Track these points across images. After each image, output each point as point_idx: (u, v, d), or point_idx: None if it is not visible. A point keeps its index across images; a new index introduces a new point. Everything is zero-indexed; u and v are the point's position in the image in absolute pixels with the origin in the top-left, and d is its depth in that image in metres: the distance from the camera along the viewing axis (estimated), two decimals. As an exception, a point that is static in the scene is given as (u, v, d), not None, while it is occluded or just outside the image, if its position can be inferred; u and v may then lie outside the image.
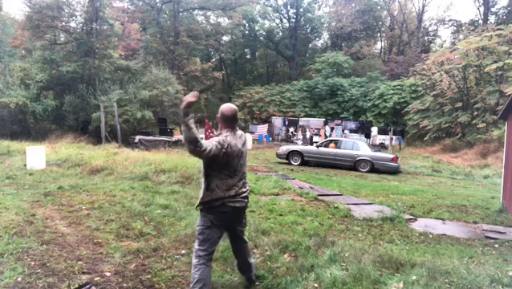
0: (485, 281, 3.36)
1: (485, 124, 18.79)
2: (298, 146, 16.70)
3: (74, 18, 21.86)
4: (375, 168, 13.50)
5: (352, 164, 13.77)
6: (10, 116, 17.68)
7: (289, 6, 40.90)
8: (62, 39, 22.30)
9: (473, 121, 19.76)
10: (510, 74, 19.51)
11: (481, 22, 33.56)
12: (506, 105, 7.48)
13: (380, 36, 45.63)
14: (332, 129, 27.02)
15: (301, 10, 40.29)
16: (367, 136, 24.74)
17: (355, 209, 6.89)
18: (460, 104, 21.81)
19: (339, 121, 28.38)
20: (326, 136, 24.29)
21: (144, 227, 4.96)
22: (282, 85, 36.09)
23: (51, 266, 3.63)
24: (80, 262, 3.74)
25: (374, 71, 34.34)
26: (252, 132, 27.22)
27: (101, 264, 3.75)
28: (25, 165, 9.69)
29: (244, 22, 39.50)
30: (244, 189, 3.08)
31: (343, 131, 26.85)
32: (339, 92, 32.38)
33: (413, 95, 27.66)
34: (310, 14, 40.46)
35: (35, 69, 20.57)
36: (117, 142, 16.62)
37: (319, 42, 47.16)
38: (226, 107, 3.05)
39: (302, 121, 28.79)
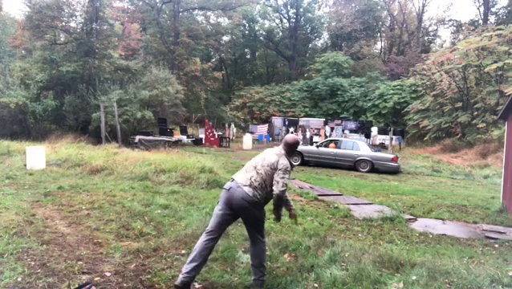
0: (485, 281, 3.36)
1: (485, 124, 18.79)
2: (299, 146, 16.68)
3: (74, 18, 21.86)
4: (375, 168, 13.50)
5: (352, 164, 13.77)
6: (10, 115, 17.67)
7: (289, 6, 40.91)
8: (62, 39, 22.29)
9: (473, 121, 19.76)
10: (510, 74, 19.51)
11: (481, 22, 33.56)
12: (506, 105, 7.48)
13: (380, 36, 45.63)
14: (332, 129, 27.02)
15: (301, 10, 40.30)
16: (367, 136, 24.75)
17: (355, 209, 6.90)
18: (460, 104, 21.81)
19: (339, 121, 28.39)
20: (326, 136, 24.29)
21: (144, 227, 4.96)
22: (282, 85, 36.11)
23: (51, 266, 3.62)
24: (80, 262, 3.74)
25: (374, 71, 34.35)
26: (252, 132, 27.23)
27: (101, 264, 3.75)
28: (25, 165, 9.69)
29: (244, 22, 39.50)
30: None
31: (343, 131, 26.85)
32: (339, 92, 32.38)
33: (413, 95, 27.67)
34: (310, 14, 40.47)
35: (35, 69, 20.56)
36: (117, 142, 16.61)
37: (319, 42, 47.23)
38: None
39: (302, 121, 28.79)
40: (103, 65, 21.29)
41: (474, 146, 18.53)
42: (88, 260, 3.83)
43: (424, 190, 9.73)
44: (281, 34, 42.81)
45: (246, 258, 3.94)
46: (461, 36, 27.31)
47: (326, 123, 28.08)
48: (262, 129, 28.72)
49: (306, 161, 14.45)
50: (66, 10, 21.02)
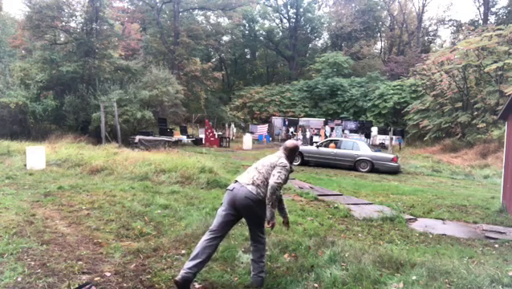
0: (485, 281, 3.36)
1: (485, 124, 18.79)
2: (298, 146, 16.68)
3: (74, 18, 21.85)
4: (375, 168, 13.50)
5: (352, 164, 13.77)
6: (10, 115, 17.67)
7: (289, 6, 40.91)
8: (62, 39, 22.29)
9: (473, 121, 19.76)
10: (510, 74, 19.51)
11: (481, 22, 33.57)
12: (506, 105, 7.48)
13: (380, 36, 45.63)
14: (332, 129, 27.02)
15: (301, 10, 40.29)
16: (367, 136, 24.75)
17: (355, 209, 6.90)
18: (460, 104, 21.81)
19: (339, 121, 28.39)
20: (326, 136, 24.29)
21: (144, 227, 4.96)
22: (282, 85, 36.11)
23: (51, 266, 3.62)
24: (80, 262, 3.74)
25: (374, 71, 34.34)
26: (252, 132, 27.22)
27: (101, 264, 3.75)
28: (25, 165, 9.69)
29: (244, 22, 39.49)
30: None
31: (343, 131, 26.85)
32: (339, 92, 32.38)
33: (413, 95, 27.67)
34: (310, 14, 40.46)
35: (35, 69, 20.56)
36: (117, 142, 16.61)
37: (319, 42, 47.23)
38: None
39: (302, 121, 28.79)
40: (103, 65, 21.29)
41: (474, 146, 18.53)
42: (88, 260, 3.83)
43: (424, 190, 9.73)
44: (281, 34, 42.81)
45: (246, 258, 3.94)
46: (461, 36, 27.32)
47: (326, 123, 28.08)
48: (262, 129, 28.72)
49: (306, 161, 14.45)
50: (66, 10, 21.02)
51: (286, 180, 3.47)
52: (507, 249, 4.98)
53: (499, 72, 19.71)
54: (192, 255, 3.24)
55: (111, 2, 30.74)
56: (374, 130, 25.81)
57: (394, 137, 22.52)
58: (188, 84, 30.23)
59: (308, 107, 32.96)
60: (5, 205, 5.80)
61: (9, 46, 30.25)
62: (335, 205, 6.94)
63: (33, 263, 3.66)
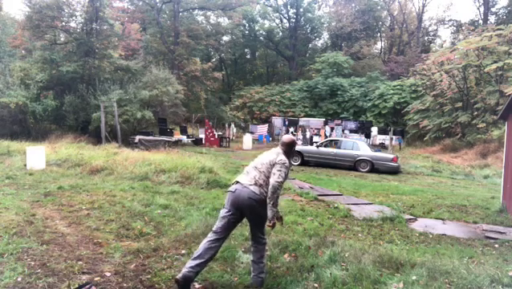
0: (485, 281, 3.36)
1: (485, 124, 18.78)
2: (298, 146, 16.69)
3: (74, 18, 21.85)
4: (375, 168, 13.50)
5: (352, 164, 13.77)
6: (10, 115, 17.66)
7: (289, 6, 40.90)
8: (62, 39, 22.29)
9: (473, 121, 19.76)
10: (510, 74, 19.50)
11: (481, 22, 33.56)
12: (506, 105, 7.48)
13: (380, 36, 45.63)
14: (332, 129, 27.01)
15: (301, 10, 40.29)
16: (367, 136, 24.74)
17: (355, 209, 6.90)
18: (460, 104, 21.81)
19: (339, 121, 28.38)
20: (326, 136, 24.28)
21: (144, 227, 4.96)
22: (282, 85, 36.10)
23: (51, 266, 3.63)
24: (80, 262, 3.74)
25: (374, 71, 34.34)
26: (252, 132, 27.22)
27: (101, 264, 3.75)
28: (25, 165, 9.69)
29: (244, 22, 39.48)
30: None
31: (343, 131, 26.84)
32: (339, 92, 32.38)
33: (413, 95, 27.66)
34: (310, 14, 40.46)
35: (35, 69, 20.55)
36: (117, 142, 16.61)
37: (319, 42, 47.22)
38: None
39: (302, 121, 28.79)
40: (103, 65, 21.28)
41: (474, 146, 18.52)
42: (88, 260, 3.83)
43: (424, 190, 9.73)
44: (281, 34, 42.81)
45: (246, 258, 3.94)
46: (461, 36, 27.34)
47: (326, 123, 28.07)
48: (262, 129, 28.72)
49: (306, 161, 14.45)
50: (66, 10, 21.02)
51: (286, 177, 3.45)
52: (507, 249, 4.98)
53: (499, 72, 19.70)
54: (194, 255, 3.24)
55: (111, 2, 30.74)
56: (374, 130, 25.81)
57: (394, 137, 22.51)
58: (188, 84, 30.22)
59: (308, 107, 32.95)
60: (5, 205, 5.80)
61: (9, 46, 30.25)
62: (335, 205, 6.94)
63: (33, 263, 3.66)
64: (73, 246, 4.24)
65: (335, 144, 14.97)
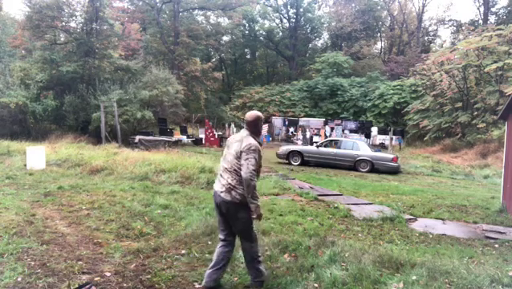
0: (485, 281, 3.36)
1: (485, 124, 18.78)
2: (298, 146, 16.70)
3: (74, 18, 21.85)
4: (375, 168, 13.49)
5: (352, 164, 13.77)
6: (10, 115, 17.67)
7: (289, 6, 40.91)
8: (62, 39, 22.29)
9: (473, 121, 19.76)
10: (510, 74, 19.50)
11: (481, 22, 33.56)
12: (506, 105, 7.48)
13: (380, 36, 45.62)
14: (332, 129, 27.01)
15: (301, 10, 40.29)
16: (367, 136, 24.74)
17: (355, 209, 6.90)
18: (460, 104, 21.81)
19: (339, 121, 28.38)
20: (326, 136, 24.28)
21: (144, 227, 4.96)
22: (282, 85, 36.10)
23: (51, 266, 3.63)
24: (80, 262, 3.74)
25: (374, 71, 34.34)
26: (252, 132, 27.15)
27: (101, 264, 3.75)
28: (25, 165, 9.69)
29: (244, 22, 39.48)
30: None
31: (343, 131, 26.84)
32: (339, 92, 32.38)
33: (413, 95, 27.66)
34: (310, 14, 40.46)
35: (35, 69, 20.55)
36: (117, 142, 16.61)
37: (319, 42, 47.21)
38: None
39: (302, 121, 28.78)
40: (103, 65, 21.28)
41: (474, 146, 18.52)
42: (88, 260, 3.83)
43: (424, 190, 9.73)
44: (281, 34, 42.80)
45: (246, 258, 3.94)
46: (461, 36, 27.34)
47: (326, 123, 28.07)
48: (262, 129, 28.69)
49: (306, 161, 14.45)
50: (66, 10, 21.02)
51: (258, 162, 3.14)
52: (507, 249, 4.98)
53: (499, 72, 19.70)
54: (211, 264, 3.32)
55: (111, 2, 30.74)
56: (374, 130, 25.81)
57: (394, 137, 22.51)
58: (188, 84, 30.22)
59: (308, 107, 32.95)
60: (5, 205, 5.80)
61: (9, 46, 30.24)
62: (335, 205, 6.94)
63: (33, 263, 3.66)
64: (73, 246, 4.24)
65: (335, 144, 14.97)
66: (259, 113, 3.38)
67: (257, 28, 41.75)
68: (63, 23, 21.23)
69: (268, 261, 3.90)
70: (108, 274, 3.52)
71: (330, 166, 13.98)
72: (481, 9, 35.42)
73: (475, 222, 6.45)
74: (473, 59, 19.97)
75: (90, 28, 20.99)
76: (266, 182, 8.85)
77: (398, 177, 12.88)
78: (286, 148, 15.19)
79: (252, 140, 3.18)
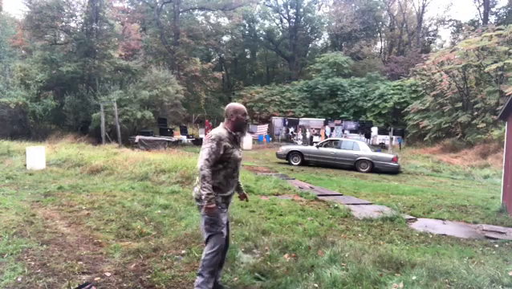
0: (485, 281, 3.36)
1: (485, 124, 18.77)
2: (298, 146, 16.70)
3: (74, 18, 21.89)
4: (375, 168, 13.49)
5: (352, 164, 13.76)
6: (10, 115, 17.69)
7: (289, 6, 40.92)
8: (62, 39, 22.31)
9: (473, 121, 19.75)
10: (510, 74, 19.50)
11: (481, 22, 33.55)
12: (506, 105, 7.48)
13: (380, 36, 45.62)
14: (332, 129, 27.02)
15: (301, 10, 40.30)
16: (367, 136, 24.75)
17: (355, 209, 6.90)
18: (460, 104, 21.81)
19: (339, 121, 28.38)
20: (326, 136, 24.29)
21: (144, 227, 4.96)
22: (282, 85, 36.09)
23: (51, 266, 3.63)
24: (80, 262, 3.74)
25: (374, 71, 34.34)
26: (252, 132, 27.21)
27: (101, 264, 3.75)
28: (25, 165, 9.69)
29: (244, 22, 39.49)
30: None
31: (343, 131, 26.85)
32: (339, 92, 32.38)
33: (413, 95, 27.66)
34: (310, 14, 40.47)
35: (35, 69, 20.57)
36: (117, 142, 16.63)
37: (319, 42, 47.22)
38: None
39: (302, 121, 28.78)
40: (103, 65, 21.30)
41: (474, 146, 18.52)
42: (88, 260, 3.83)
43: (424, 190, 9.73)
44: (281, 34, 42.81)
45: (246, 258, 3.95)
46: (461, 36, 27.30)
47: (326, 123, 28.07)
48: (262, 129, 28.71)
49: (306, 161, 14.45)
50: (66, 10, 21.05)
51: (213, 151, 2.90)
52: (507, 249, 4.98)
53: (499, 72, 19.70)
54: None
55: (111, 2, 30.71)
56: (374, 130, 25.81)
57: (394, 137, 22.51)
58: (188, 84, 30.22)
59: (308, 107, 32.94)
60: (5, 205, 5.80)
61: (9, 46, 30.23)
62: (335, 205, 6.94)
63: (33, 263, 3.66)
64: (73, 246, 4.24)
65: (335, 144, 14.97)
66: (235, 104, 3.19)
67: (257, 28, 41.75)
68: (63, 23, 21.26)
69: (268, 261, 3.90)
70: (108, 274, 3.52)
71: (330, 166, 13.98)
72: (481, 9, 35.41)
73: (475, 222, 6.45)
74: (473, 59, 19.97)
75: (90, 28, 21.00)
76: (266, 182, 8.85)
77: (398, 177, 12.88)
78: (286, 148, 15.19)
79: (216, 130, 3.03)
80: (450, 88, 22.14)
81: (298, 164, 14.23)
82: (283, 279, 3.44)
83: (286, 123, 29.31)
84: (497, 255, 4.66)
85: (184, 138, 20.97)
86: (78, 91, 19.44)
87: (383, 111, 29.17)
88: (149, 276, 3.51)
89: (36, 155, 9.73)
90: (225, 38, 40.94)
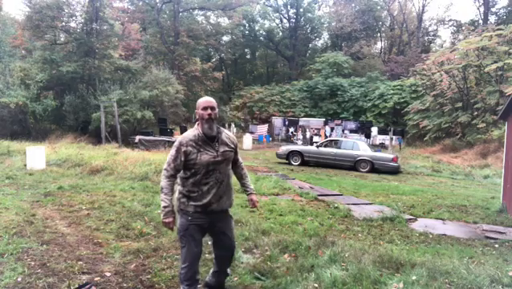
0: (485, 281, 3.36)
1: (485, 124, 18.77)
2: (298, 146, 16.70)
3: (74, 18, 21.90)
4: (375, 168, 13.49)
5: (352, 164, 13.76)
6: (10, 116, 17.70)
7: (289, 6, 40.94)
8: (62, 39, 22.31)
9: (473, 121, 19.75)
10: (510, 74, 19.50)
11: (481, 22, 33.54)
12: (506, 105, 7.48)
13: (380, 36, 45.62)
14: (332, 129, 27.02)
15: (301, 10, 40.32)
16: (367, 136, 24.75)
17: (355, 209, 6.89)
18: (460, 104, 21.81)
19: (339, 121, 28.38)
20: (326, 136, 24.29)
21: (144, 227, 4.96)
22: (282, 85, 36.10)
23: (51, 266, 3.63)
24: (80, 262, 3.74)
25: (374, 71, 34.34)
26: (252, 132, 27.21)
27: (101, 264, 3.75)
28: (25, 165, 9.69)
29: (244, 22, 39.51)
30: None
31: (343, 131, 26.85)
32: (339, 92, 32.39)
33: (413, 95, 27.66)
34: (310, 14, 40.48)
35: (35, 69, 20.58)
36: (117, 142, 16.63)
37: (319, 42, 47.24)
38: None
39: (302, 121, 28.78)
40: (103, 65, 21.30)
41: (474, 146, 18.52)
42: (88, 260, 3.83)
43: (424, 190, 9.73)
44: (281, 34, 42.82)
45: (246, 258, 3.94)
46: (461, 36, 27.33)
47: (326, 123, 28.07)
48: (262, 129, 28.71)
49: (307, 161, 14.44)
50: (66, 10, 21.05)
51: (174, 160, 2.67)
52: (507, 249, 4.98)
53: (499, 72, 19.70)
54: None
55: (111, 2, 30.73)
56: (374, 130, 25.80)
57: (394, 137, 22.50)
58: (188, 84, 30.23)
59: (308, 107, 32.95)
60: (5, 205, 5.80)
61: (9, 46, 30.24)
62: (335, 205, 6.94)
63: (33, 263, 3.66)
64: (73, 246, 4.24)
65: (335, 144, 14.97)
66: (200, 99, 2.82)
67: (257, 28, 41.76)
68: (63, 23, 21.27)
69: (268, 261, 3.90)
70: (108, 274, 3.52)
71: (330, 166, 13.98)
72: (481, 9, 35.41)
73: (475, 222, 6.45)
74: (473, 59, 19.98)
75: (90, 28, 21.00)
76: (266, 182, 8.85)
77: (398, 177, 12.87)
78: (286, 148, 15.19)
79: (184, 133, 2.83)
80: (450, 88, 22.14)
81: (298, 164, 14.23)
82: (283, 279, 3.43)
83: (286, 123, 29.32)
84: (497, 255, 4.66)
85: (184, 138, 20.93)
86: (78, 91, 19.44)
87: (383, 111, 29.18)
88: (149, 276, 3.51)
89: (36, 155, 9.73)
90: (225, 38, 40.96)
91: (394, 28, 42.67)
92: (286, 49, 40.98)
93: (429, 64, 23.52)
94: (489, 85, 20.14)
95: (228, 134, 2.94)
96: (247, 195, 3.11)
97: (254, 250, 4.23)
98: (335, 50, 38.05)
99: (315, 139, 23.49)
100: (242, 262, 3.85)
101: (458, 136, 20.42)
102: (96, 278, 3.40)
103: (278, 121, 29.77)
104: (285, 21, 42.83)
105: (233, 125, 28.26)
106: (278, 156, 14.95)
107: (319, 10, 45.26)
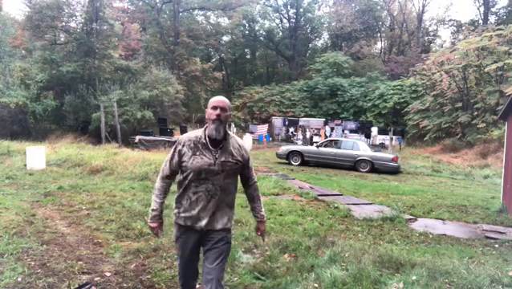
0: (485, 281, 3.36)
1: (485, 124, 18.77)
2: (298, 146, 16.70)
3: (74, 18, 21.90)
4: (375, 168, 13.49)
5: (352, 164, 13.76)
6: (10, 116, 17.70)
7: (289, 6, 40.93)
8: (62, 39, 22.32)
9: (473, 121, 19.75)
10: (510, 74, 19.50)
11: (481, 22, 33.55)
12: (506, 105, 7.48)
13: (380, 36, 45.62)
14: (332, 129, 27.02)
15: (301, 10, 40.31)
16: (367, 136, 24.75)
17: (355, 209, 6.89)
18: (460, 104, 21.81)
19: (339, 121, 28.39)
20: (326, 136, 24.29)
21: (144, 227, 4.95)
22: (282, 85, 36.10)
23: (51, 266, 3.62)
24: (80, 262, 3.74)
25: (374, 71, 34.34)
26: (252, 132, 27.21)
27: (101, 264, 3.75)
28: (25, 165, 9.69)
29: (244, 22, 39.51)
30: None
31: (343, 131, 26.85)
32: (339, 92, 32.39)
33: (413, 95, 27.67)
34: (310, 14, 40.48)
35: (35, 69, 20.58)
36: (117, 142, 16.63)
37: (319, 42, 47.24)
38: None
39: (302, 121, 28.79)
40: (103, 65, 21.31)
41: (474, 146, 18.52)
42: (88, 260, 3.83)
43: (424, 190, 9.73)
44: (281, 34, 42.82)
45: (246, 258, 3.94)
46: (461, 36, 27.29)
47: (326, 123, 28.07)
48: (262, 129, 28.71)
49: (307, 161, 14.44)
50: (66, 10, 21.05)
51: (170, 160, 2.42)
52: (507, 249, 4.98)
53: (499, 72, 19.71)
54: None
55: (111, 2, 30.73)
56: (374, 130, 25.81)
57: (394, 137, 22.51)
58: (188, 84, 30.23)
59: (308, 107, 32.95)
60: (5, 205, 5.80)
61: (9, 46, 30.24)
62: (335, 205, 6.94)
63: (33, 263, 3.66)
64: (73, 246, 4.24)
65: (335, 144, 14.97)
66: (217, 97, 2.67)
67: (257, 28, 41.76)
68: (63, 23, 21.28)
69: (268, 261, 3.89)
70: (108, 274, 3.52)
71: (330, 166, 13.98)
72: (481, 9, 35.42)
73: (475, 222, 6.45)
74: (473, 59, 19.98)
75: (90, 28, 21.01)
76: (266, 182, 8.85)
77: (398, 177, 12.87)
78: (286, 148, 15.19)
79: (187, 134, 2.55)
80: (450, 88, 22.14)
81: (298, 164, 14.23)
82: (283, 279, 3.43)
83: (286, 123, 29.32)
84: (497, 255, 4.66)
85: (184, 138, 20.95)
86: (78, 91, 19.44)
87: (383, 111, 29.18)
88: (149, 276, 3.51)
89: (36, 155, 9.73)
90: (225, 38, 40.96)
91: (394, 28, 42.67)
92: (286, 49, 40.98)
93: (429, 64, 23.52)
94: (489, 85, 20.14)
95: (239, 144, 2.57)
96: (256, 222, 2.64)
97: (254, 250, 4.23)
98: (335, 50, 38.05)
99: (315, 139, 23.49)
100: (242, 262, 3.85)
101: (458, 136, 20.43)
102: (96, 278, 3.40)
103: (278, 121, 29.77)
104: (285, 21, 42.86)
105: (233, 125, 28.27)
106: (278, 156, 14.95)
107: (319, 10, 45.33)
